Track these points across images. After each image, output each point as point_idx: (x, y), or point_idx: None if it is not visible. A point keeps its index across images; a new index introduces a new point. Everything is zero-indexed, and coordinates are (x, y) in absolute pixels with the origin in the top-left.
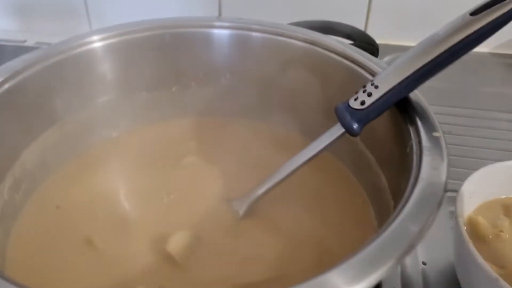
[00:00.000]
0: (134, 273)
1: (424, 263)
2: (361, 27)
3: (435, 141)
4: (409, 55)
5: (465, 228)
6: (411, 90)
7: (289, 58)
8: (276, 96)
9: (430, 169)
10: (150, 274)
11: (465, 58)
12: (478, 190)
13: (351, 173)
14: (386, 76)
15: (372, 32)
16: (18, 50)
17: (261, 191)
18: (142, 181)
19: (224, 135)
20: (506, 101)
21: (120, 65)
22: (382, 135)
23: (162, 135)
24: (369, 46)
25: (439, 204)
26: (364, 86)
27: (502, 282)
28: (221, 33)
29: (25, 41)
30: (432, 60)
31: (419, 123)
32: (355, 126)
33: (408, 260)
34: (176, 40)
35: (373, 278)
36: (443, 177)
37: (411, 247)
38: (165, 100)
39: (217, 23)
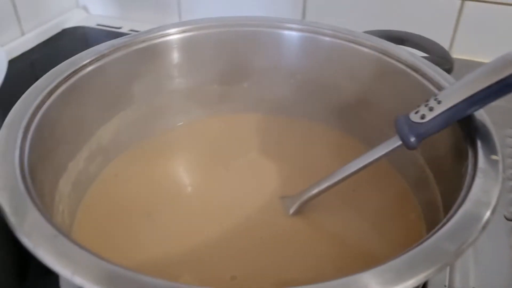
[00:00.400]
0: (186, 251)
1: None
2: (446, 42)
3: (492, 164)
4: (478, 73)
5: None
6: (476, 109)
7: (357, 65)
8: (341, 101)
9: (480, 191)
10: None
11: None
12: None
13: (409, 187)
14: (451, 92)
15: (457, 48)
16: (111, 35)
17: (313, 192)
18: (202, 168)
19: (287, 134)
20: None
21: (194, 57)
22: (442, 152)
23: (229, 128)
24: (443, 60)
25: (483, 227)
26: (427, 101)
27: None
28: (291, 35)
29: (120, 27)
30: (500, 80)
31: (478, 143)
32: (412, 139)
33: (458, 283)
34: (250, 38)
35: None
36: (492, 201)
37: (443, 266)
38: (235, 95)
39: (289, 25)
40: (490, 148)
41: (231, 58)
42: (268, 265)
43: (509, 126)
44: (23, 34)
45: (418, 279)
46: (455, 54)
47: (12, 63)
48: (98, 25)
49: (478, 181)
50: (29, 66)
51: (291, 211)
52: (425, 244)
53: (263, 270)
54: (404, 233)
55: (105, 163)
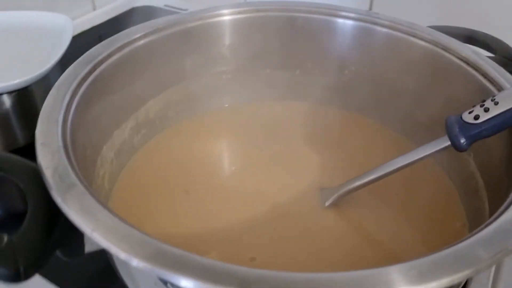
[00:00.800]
0: (216, 229)
1: None
2: None
3: None
4: None
5: None
6: None
7: (413, 59)
8: (392, 96)
9: None
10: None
11: None
12: None
13: (457, 193)
14: (510, 94)
15: None
16: None
17: (353, 185)
18: (243, 151)
19: (333, 126)
20: None
21: (247, 40)
22: (496, 159)
23: (275, 114)
24: (509, 62)
25: None
26: (483, 101)
27: None
28: (346, 24)
29: (187, 9)
30: None
31: None
32: (462, 140)
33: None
34: (305, 24)
35: None
36: None
37: (472, 272)
38: (286, 81)
39: (344, 13)
40: None
41: (284, 43)
42: (290, 252)
43: None
44: (94, 9)
45: (442, 282)
46: None
47: (82, 35)
48: (166, 5)
49: None
50: (97, 39)
51: (327, 203)
52: (458, 246)
53: (284, 256)
54: (446, 241)
55: (149, 136)
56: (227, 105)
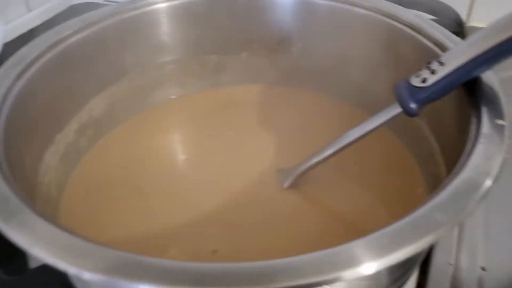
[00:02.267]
0: (175, 225)
1: (483, 269)
2: (464, 8)
3: (497, 130)
4: (485, 31)
5: None
6: (482, 70)
7: (358, 29)
8: (342, 69)
9: (482, 158)
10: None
11: None
12: None
13: (414, 159)
14: (455, 54)
15: (475, 16)
16: None
17: (309, 163)
18: (197, 142)
19: (286, 106)
20: None
21: (189, 25)
22: (448, 121)
23: (227, 100)
24: (453, 23)
25: (482, 197)
26: (429, 63)
27: None
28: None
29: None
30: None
31: (483, 107)
32: (412, 105)
33: (464, 264)
34: (244, 4)
35: (381, 261)
36: (494, 169)
37: (434, 237)
38: (234, 65)
39: None
40: (497, 112)
41: (226, 26)
42: (253, 239)
43: None
44: (30, 10)
45: (405, 251)
46: (473, 22)
47: (18, 40)
48: (107, 1)
49: (480, 147)
50: None
51: (286, 184)
52: (416, 213)
53: (247, 244)
54: (409, 208)
55: (97, 137)
56: (175, 97)
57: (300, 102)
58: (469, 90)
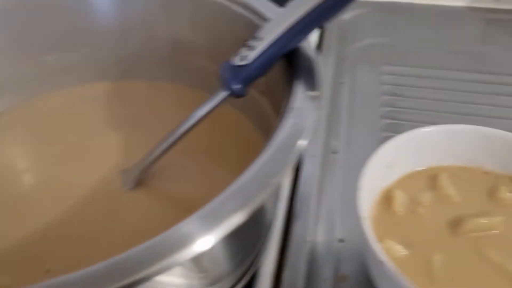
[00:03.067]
0: (8, 249)
1: (341, 241)
2: None
3: (308, 101)
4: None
5: (381, 202)
6: (299, 40)
7: (179, 10)
8: (187, 54)
9: (287, 132)
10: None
11: (440, 12)
12: (401, 159)
13: (262, 136)
14: (271, 27)
15: None
16: None
17: (151, 157)
18: (35, 153)
19: (137, 101)
20: (476, 60)
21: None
22: (280, 95)
23: (71, 101)
24: None
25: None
26: (246, 40)
27: (387, 266)
28: None
29: None
30: (321, 4)
31: (295, 80)
32: (236, 86)
33: (321, 237)
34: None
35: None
36: (301, 142)
37: (250, 207)
38: (77, 63)
39: None
40: (311, 84)
41: (61, 20)
42: (93, 249)
43: (385, 63)
44: None
45: (238, 216)
46: None
47: None
48: None
49: (288, 121)
50: None
51: (128, 185)
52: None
53: (84, 256)
54: None
55: None
56: (16, 103)
57: (152, 96)
58: (289, 61)
